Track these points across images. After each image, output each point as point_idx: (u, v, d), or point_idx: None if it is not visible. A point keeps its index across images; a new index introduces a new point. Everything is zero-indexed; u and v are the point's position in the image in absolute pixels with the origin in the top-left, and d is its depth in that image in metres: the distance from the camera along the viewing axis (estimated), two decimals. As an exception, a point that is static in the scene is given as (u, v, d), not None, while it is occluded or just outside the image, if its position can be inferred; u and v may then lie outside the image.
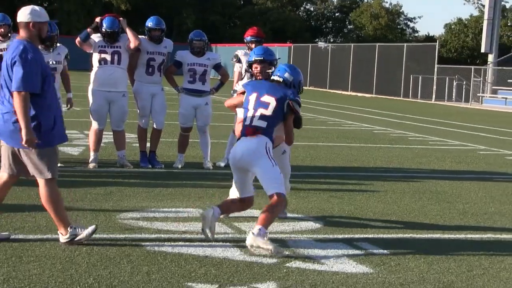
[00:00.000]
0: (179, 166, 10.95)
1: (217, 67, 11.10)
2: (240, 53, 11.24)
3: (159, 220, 7.46)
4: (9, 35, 10.90)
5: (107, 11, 10.74)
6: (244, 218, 7.67)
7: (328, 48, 50.52)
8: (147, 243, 6.50)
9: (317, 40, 75.13)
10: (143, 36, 10.90)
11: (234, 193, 7.55)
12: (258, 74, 7.26)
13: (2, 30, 10.82)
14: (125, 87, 10.64)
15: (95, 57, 10.54)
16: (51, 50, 10.18)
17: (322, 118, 22.39)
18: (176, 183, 9.65)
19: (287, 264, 6.08)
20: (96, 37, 10.53)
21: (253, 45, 10.99)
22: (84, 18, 61.07)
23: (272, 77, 7.06)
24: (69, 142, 12.63)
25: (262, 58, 7.23)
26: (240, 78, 11.09)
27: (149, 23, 10.88)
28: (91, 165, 10.46)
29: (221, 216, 7.01)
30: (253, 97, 6.83)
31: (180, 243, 6.58)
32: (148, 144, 10.99)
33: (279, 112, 6.74)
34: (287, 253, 6.39)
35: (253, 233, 6.25)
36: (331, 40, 78.14)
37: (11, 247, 6.16)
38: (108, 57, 10.46)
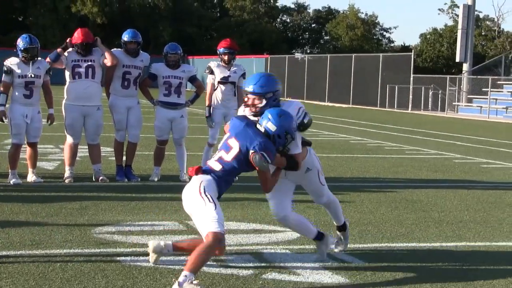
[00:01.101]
0: (155, 179, 10.91)
1: (193, 79, 11.09)
2: (212, 64, 11.27)
3: (135, 234, 7.42)
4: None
5: (82, 25, 10.68)
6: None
7: (305, 59, 50.66)
8: (122, 257, 6.46)
9: (294, 51, 75.32)
10: (119, 49, 10.88)
11: None
12: (248, 107, 6.34)
13: None
14: (99, 101, 10.60)
15: (68, 72, 10.50)
16: (30, 63, 10.12)
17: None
18: (152, 196, 9.62)
19: (263, 276, 6.07)
20: (67, 52, 10.49)
21: (225, 57, 11.06)
22: (59, 32, 60.88)
23: (258, 127, 6.11)
24: (44, 157, 12.61)
25: (252, 90, 6.22)
26: (213, 89, 11.13)
27: (125, 36, 10.85)
28: (66, 180, 10.39)
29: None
30: (226, 135, 6.11)
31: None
32: (124, 158, 10.95)
33: (241, 162, 5.92)
34: None
35: (178, 282, 5.41)
36: (308, 51, 78.37)
37: (-16, 263, 6.10)
38: (82, 71, 10.42)
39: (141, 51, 10.97)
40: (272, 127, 6.02)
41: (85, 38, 10.44)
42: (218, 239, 5.64)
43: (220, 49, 11.18)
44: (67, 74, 10.52)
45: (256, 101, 6.21)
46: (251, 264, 6.43)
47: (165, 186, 10.51)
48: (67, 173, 10.48)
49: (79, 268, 6.05)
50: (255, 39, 69.40)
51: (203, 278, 5.93)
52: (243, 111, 6.48)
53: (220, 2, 76.16)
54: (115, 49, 10.99)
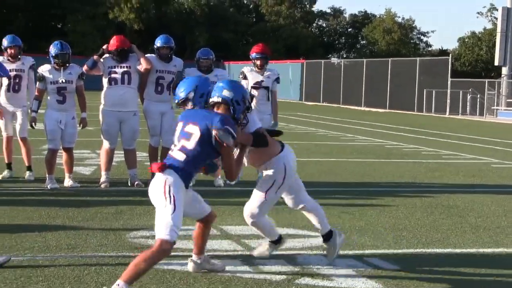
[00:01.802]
0: (190, 184, 10.91)
1: (226, 84, 11.10)
2: (246, 70, 11.28)
3: (169, 238, 7.43)
4: (19, 56, 11.01)
5: (120, 31, 10.80)
6: (254, 235, 7.66)
7: (341, 64, 50.52)
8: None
9: (330, 56, 75.19)
10: (152, 55, 10.95)
11: None
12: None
13: (13, 51, 10.92)
14: (135, 106, 10.69)
15: (105, 78, 10.59)
16: (61, 69, 10.24)
17: (334, 134, 22.35)
18: (187, 201, 9.62)
19: (297, 281, 6.06)
20: (105, 59, 10.58)
21: (258, 62, 11.07)
22: (97, 38, 61.47)
23: (211, 100, 5.98)
24: (81, 162, 12.72)
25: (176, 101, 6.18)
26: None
27: (158, 41, 10.94)
28: (102, 185, 10.47)
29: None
30: (178, 127, 5.85)
31: (189, 261, 6.55)
32: (159, 163, 11.00)
33: (204, 145, 5.68)
34: None
35: None
36: (344, 56, 78.18)
37: (20, 266, 6.17)
38: (118, 77, 10.50)
39: (174, 56, 11.03)
40: (229, 93, 5.89)
41: (121, 45, 10.53)
42: (165, 248, 5.39)
43: (253, 54, 11.21)
44: (104, 80, 10.61)
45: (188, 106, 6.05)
46: (284, 269, 6.42)
47: (199, 191, 10.49)
48: (103, 178, 10.56)
49: (114, 272, 6.08)
50: (291, 44, 69.42)
51: (236, 283, 5.93)
52: None
53: (256, 7, 76.33)
54: (148, 54, 11.07)
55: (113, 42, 10.57)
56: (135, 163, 10.81)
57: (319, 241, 7.56)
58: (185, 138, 5.70)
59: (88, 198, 9.70)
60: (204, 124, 5.67)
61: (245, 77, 11.18)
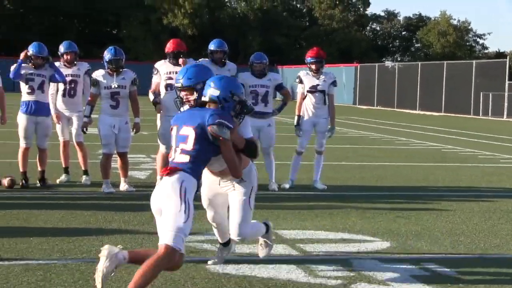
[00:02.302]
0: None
1: (279, 88, 11.12)
2: (302, 74, 11.26)
3: (224, 242, 7.44)
4: (75, 62, 11.16)
5: (174, 37, 10.89)
6: (308, 239, 7.63)
7: (395, 67, 50.13)
8: (211, 266, 6.49)
9: (384, 59, 74.66)
10: (206, 59, 10.99)
11: None
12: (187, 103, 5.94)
13: (69, 57, 11.08)
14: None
15: (162, 84, 10.65)
16: (114, 74, 10.35)
17: (388, 138, 22.17)
18: (241, 205, 9.62)
19: (352, 285, 6.00)
20: (160, 65, 10.63)
21: (313, 66, 11.04)
22: (151, 44, 62.11)
23: (202, 99, 5.81)
24: (136, 166, 12.84)
25: (180, 84, 5.88)
26: (303, 98, 11.12)
27: (212, 45, 10.99)
28: (158, 189, 10.51)
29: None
30: (174, 131, 5.73)
31: (244, 265, 6.55)
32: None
33: (203, 143, 5.56)
34: None
35: None
36: (398, 59, 77.58)
37: (78, 270, 6.24)
38: (173, 82, 10.53)
39: (228, 61, 11.06)
40: (214, 91, 5.71)
41: (177, 47, 10.59)
42: (171, 255, 5.21)
43: (308, 59, 11.19)
44: (161, 85, 10.66)
45: (188, 96, 5.85)
46: (340, 274, 6.37)
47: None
48: (159, 182, 10.61)
49: (169, 276, 6.10)
50: (345, 47, 69.13)
51: (291, 287, 5.91)
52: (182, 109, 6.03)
53: (309, 11, 76.20)
54: (202, 59, 11.12)
55: (170, 45, 10.65)
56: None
57: (375, 245, 7.52)
58: (182, 141, 5.58)
59: (144, 202, 9.69)
60: (197, 123, 5.56)
61: (301, 81, 11.16)
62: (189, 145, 5.54)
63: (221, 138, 5.54)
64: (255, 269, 6.42)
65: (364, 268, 6.58)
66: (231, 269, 6.40)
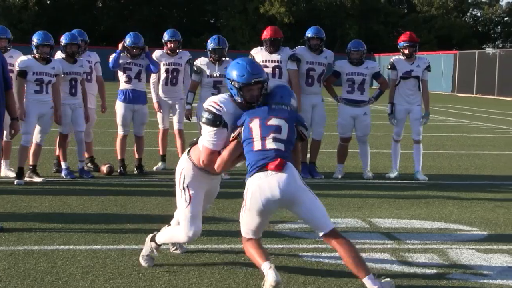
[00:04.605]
0: (339, 176, 10.89)
1: (376, 76, 10.99)
2: (394, 59, 11.06)
3: (317, 230, 7.43)
4: (178, 51, 11.31)
5: (271, 25, 10.92)
6: (403, 228, 7.55)
7: (496, 54, 48.83)
8: (304, 253, 6.50)
9: (484, 46, 72.83)
10: (303, 47, 10.98)
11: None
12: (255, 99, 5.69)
13: (172, 45, 11.24)
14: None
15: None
16: (217, 63, 10.46)
17: (488, 126, 21.63)
18: (335, 193, 9.61)
19: (448, 275, 5.91)
20: (256, 52, 10.71)
21: (406, 50, 10.83)
22: (248, 33, 62.44)
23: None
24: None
25: (263, 78, 5.67)
26: (395, 85, 10.93)
27: (309, 32, 10.99)
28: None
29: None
30: (255, 123, 5.49)
31: (337, 253, 6.51)
32: (308, 155, 11.01)
33: (292, 135, 5.54)
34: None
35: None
36: (500, 46, 75.55)
37: (173, 256, 6.34)
38: (269, 71, 10.55)
39: (325, 49, 11.00)
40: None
41: (274, 34, 10.63)
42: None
43: (400, 43, 10.99)
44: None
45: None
46: (435, 263, 6.27)
47: (348, 184, 10.46)
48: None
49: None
50: (444, 34, 67.70)
51: (386, 275, 5.85)
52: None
53: (408, -3, 75.02)
54: (298, 46, 11.10)
55: (266, 32, 10.71)
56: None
57: (471, 235, 7.37)
58: (273, 131, 5.42)
59: (239, 190, 9.80)
60: (287, 117, 5.51)
61: (394, 67, 10.96)
62: (284, 134, 5.45)
63: (303, 137, 5.65)
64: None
65: (460, 258, 6.45)
66: (324, 257, 6.38)
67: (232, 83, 5.65)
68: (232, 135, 5.57)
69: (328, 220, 5.44)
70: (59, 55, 10.48)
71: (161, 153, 11.50)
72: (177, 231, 5.93)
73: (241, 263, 6.16)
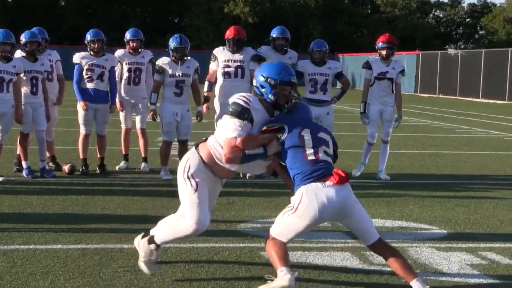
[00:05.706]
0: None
1: (339, 76, 11.05)
2: (371, 59, 11.09)
3: (279, 229, 7.44)
4: (140, 50, 11.27)
5: (234, 25, 10.93)
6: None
7: (458, 55, 49.36)
8: (266, 253, 6.50)
9: (446, 46, 73.54)
10: (268, 46, 11.01)
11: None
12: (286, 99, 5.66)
13: (134, 44, 11.20)
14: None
15: (220, 71, 10.70)
16: (179, 63, 10.42)
17: (450, 126, 21.86)
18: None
19: (407, 274, 5.95)
20: (218, 52, 10.73)
21: (384, 52, 10.87)
22: (212, 33, 62.38)
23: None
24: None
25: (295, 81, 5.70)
26: (369, 85, 10.97)
27: (274, 33, 11.02)
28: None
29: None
30: (306, 132, 5.49)
31: (298, 252, 6.56)
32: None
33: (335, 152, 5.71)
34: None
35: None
36: (462, 47, 76.35)
37: (134, 255, 6.29)
38: (231, 70, 10.59)
39: (289, 49, 11.03)
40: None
41: (237, 34, 10.65)
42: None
43: (379, 44, 10.97)
44: (219, 73, 10.72)
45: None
46: (395, 262, 6.31)
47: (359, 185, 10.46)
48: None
49: (225, 262, 6.14)
50: (407, 35, 68.24)
51: (346, 275, 5.89)
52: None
53: (371, -2, 75.52)
54: (263, 46, 11.13)
55: (229, 31, 10.71)
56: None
57: (432, 234, 7.44)
58: (325, 145, 5.51)
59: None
60: (330, 134, 5.67)
61: (369, 67, 10.98)
62: (331, 149, 5.56)
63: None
64: (310, 256, 6.42)
65: (420, 256, 6.52)
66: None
67: (268, 81, 5.56)
68: (265, 127, 5.50)
69: (375, 230, 5.47)
70: (19, 53, 10.37)
71: (123, 152, 11.45)
72: (181, 222, 5.70)
73: (204, 261, 6.15)
